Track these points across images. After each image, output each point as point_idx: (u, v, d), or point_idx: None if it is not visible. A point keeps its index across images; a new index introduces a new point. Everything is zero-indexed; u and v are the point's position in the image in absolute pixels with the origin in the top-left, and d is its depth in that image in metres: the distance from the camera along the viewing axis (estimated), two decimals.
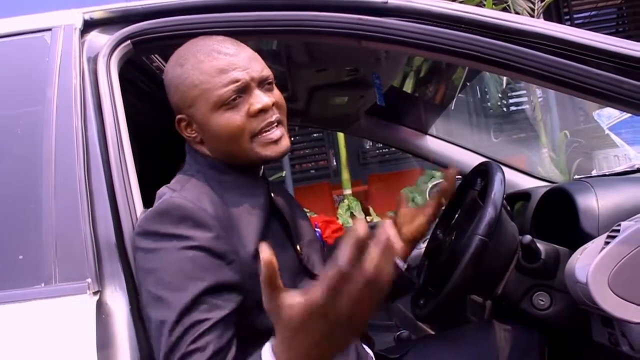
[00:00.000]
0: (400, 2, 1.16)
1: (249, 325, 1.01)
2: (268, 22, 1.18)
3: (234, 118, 1.06)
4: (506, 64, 1.14)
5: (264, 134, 1.08)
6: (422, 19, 1.15)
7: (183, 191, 1.04)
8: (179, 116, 1.12)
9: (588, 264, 1.09)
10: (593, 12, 6.75)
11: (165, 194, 1.03)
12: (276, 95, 1.11)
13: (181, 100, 1.10)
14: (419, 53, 1.23)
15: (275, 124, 1.09)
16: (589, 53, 1.09)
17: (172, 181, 1.11)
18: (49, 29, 1.20)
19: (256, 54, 1.12)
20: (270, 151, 1.09)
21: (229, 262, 0.98)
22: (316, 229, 1.99)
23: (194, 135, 1.12)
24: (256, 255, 1.02)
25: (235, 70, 1.06)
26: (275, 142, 1.09)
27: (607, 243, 1.10)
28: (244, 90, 1.06)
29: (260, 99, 1.07)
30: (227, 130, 1.06)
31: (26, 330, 0.98)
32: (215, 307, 0.93)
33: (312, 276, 1.14)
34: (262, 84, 1.09)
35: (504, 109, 6.91)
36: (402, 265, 1.40)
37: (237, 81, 1.05)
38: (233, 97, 1.05)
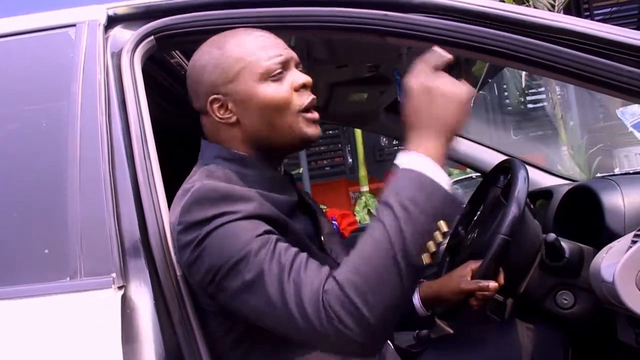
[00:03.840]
0: None
1: None
2: (292, 18, 1.18)
3: (281, 89, 1.06)
4: (531, 60, 1.12)
5: (309, 113, 1.09)
6: (447, 15, 1.14)
7: (210, 179, 1.01)
8: (213, 96, 1.07)
9: (614, 263, 1.08)
10: (614, 8, 6.66)
11: (193, 186, 0.99)
12: None
13: (219, 78, 1.07)
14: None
15: (314, 106, 1.10)
16: (614, 48, 1.08)
17: (194, 176, 1.06)
18: (73, 25, 1.21)
19: None
20: (312, 131, 1.09)
21: (277, 225, 0.97)
22: (333, 222, 2.00)
23: (227, 116, 1.08)
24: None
25: (277, 48, 1.09)
26: (315, 123, 1.10)
27: (634, 242, 1.08)
28: (286, 65, 1.08)
29: (302, 75, 1.09)
30: (275, 100, 1.06)
31: (51, 324, 0.99)
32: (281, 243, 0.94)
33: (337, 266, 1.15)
34: (297, 66, 1.11)
35: (523, 107, 6.87)
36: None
37: (280, 55, 1.07)
38: (278, 69, 1.06)
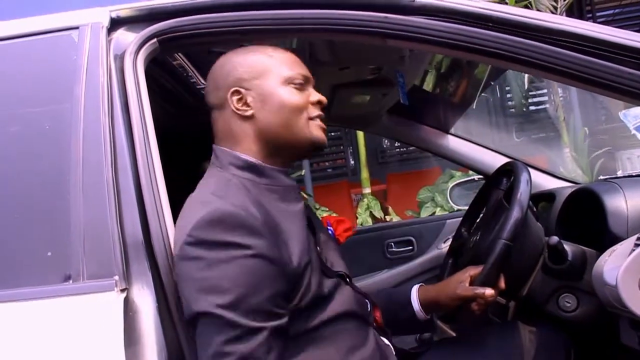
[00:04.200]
0: (427, 1, 1.15)
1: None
2: (295, 20, 1.18)
3: (300, 96, 1.15)
4: (533, 63, 1.13)
5: (319, 121, 1.18)
6: (449, 17, 1.14)
7: (229, 197, 1.03)
8: (234, 88, 1.14)
9: (617, 266, 1.08)
10: (617, 10, 6.65)
11: (212, 202, 1.02)
12: None
13: (246, 73, 1.15)
14: (445, 52, 1.23)
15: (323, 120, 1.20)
16: (616, 50, 1.08)
17: (210, 185, 1.10)
18: (77, 27, 1.21)
19: None
20: (321, 135, 1.18)
21: (282, 268, 1.01)
22: (329, 227, 2.01)
23: (245, 109, 1.14)
24: (305, 264, 1.06)
25: (302, 67, 1.19)
26: (325, 131, 1.19)
27: (637, 245, 1.08)
28: (306, 82, 1.18)
29: (318, 94, 1.19)
30: (293, 103, 1.14)
31: (54, 326, 0.99)
32: (272, 316, 0.97)
33: (333, 274, 1.16)
34: (314, 88, 1.21)
35: (525, 109, 6.86)
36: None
37: (303, 72, 1.18)
38: (301, 80, 1.16)
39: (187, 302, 0.98)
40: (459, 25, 1.14)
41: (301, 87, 1.16)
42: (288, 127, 1.14)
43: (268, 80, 1.14)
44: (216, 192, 1.05)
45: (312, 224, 1.21)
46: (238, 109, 1.14)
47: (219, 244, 0.97)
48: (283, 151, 1.16)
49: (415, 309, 1.37)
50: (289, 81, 1.15)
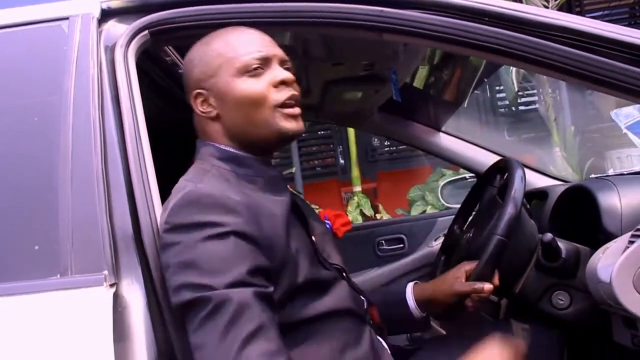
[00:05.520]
0: None
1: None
2: (289, 13, 1.17)
3: (257, 85, 1.07)
4: (528, 58, 1.13)
5: (287, 108, 1.09)
6: (444, 11, 1.14)
7: (204, 183, 1.02)
8: (196, 91, 1.11)
9: (611, 263, 1.07)
10: (605, 12, 6.70)
11: (187, 187, 1.00)
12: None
13: (202, 72, 1.10)
14: (441, 46, 1.21)
15: (295, 101, 1.11)
16: (610, 45, 1.08)
17: (189, 175, 1.08)
18: (67, 18, 1.19)
19: None
20: (291, 125, 1.09)
21: (262, 247, 0.98)
22: (326, 222, 1.99)
23: (209, 110, 1.10)
24: (287, 245, 1.03)
25: (260, 45, 1.10)
26: (296, 118, 1.10)
27: (631, 242, 1.08)
28: (266, 62, 1.09)
29: (282, 72, 1.10)
30: (250, 96, 1.07)
31: (41, 322, 0.97)
32: (253, 286, 0.93)
33: (330, 265, 1.15)
34: (282, 64, 1.12)
35: (516, 108, 6.89)
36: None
37: (260, 52, 1.09)
38: (255, 65, 1.08)
39: (171, 287, 0.95)
40: (455, 19, 1.13)
41: (258, 72, 1.08)
42: (251, 122, 1.08)
43: (221, 75, 1.08)
44: (192, 179, 1.04)
45: (302, 212, 1.17)
46: (203, 112, 1.11)
47: (194, 225, 0.95)
48: (257, 145, 1.11)
49: (410, 307, 1.35)
50: (242, 71, 1.07)
